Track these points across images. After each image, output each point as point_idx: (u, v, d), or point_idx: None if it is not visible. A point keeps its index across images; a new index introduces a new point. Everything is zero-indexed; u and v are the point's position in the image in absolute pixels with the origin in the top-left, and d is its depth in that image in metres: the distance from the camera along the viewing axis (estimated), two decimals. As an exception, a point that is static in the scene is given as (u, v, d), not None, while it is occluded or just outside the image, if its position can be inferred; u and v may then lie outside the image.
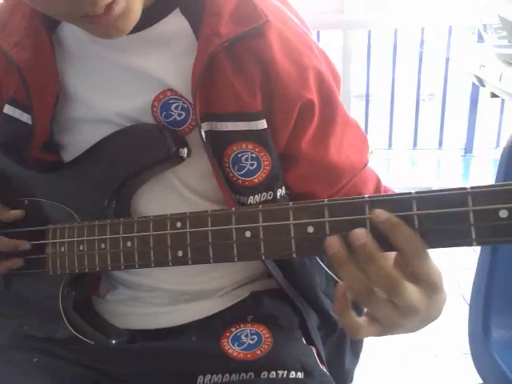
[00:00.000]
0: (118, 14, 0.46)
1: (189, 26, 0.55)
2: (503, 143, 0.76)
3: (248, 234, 0.46)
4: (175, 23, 0.55)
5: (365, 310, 0.42)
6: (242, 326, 0.61)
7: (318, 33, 2.79)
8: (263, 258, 0.46)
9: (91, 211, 0.57)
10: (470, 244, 0.37)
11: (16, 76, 0.57)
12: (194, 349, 0.60)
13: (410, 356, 1.49)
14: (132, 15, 0.48)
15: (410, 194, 0.39)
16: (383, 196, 0.40)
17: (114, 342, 0.60)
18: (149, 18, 0.53)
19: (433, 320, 0.45)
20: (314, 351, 0.62)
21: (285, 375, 0.55)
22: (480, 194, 0.36)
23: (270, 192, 0.57)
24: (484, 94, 2.66)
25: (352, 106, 2.63)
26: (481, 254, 0.80)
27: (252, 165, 0.55)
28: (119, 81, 0.56)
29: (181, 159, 0.55)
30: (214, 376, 0.56)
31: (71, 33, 0.58)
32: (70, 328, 0.59)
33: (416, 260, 0.39)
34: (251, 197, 0.57)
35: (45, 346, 0.61)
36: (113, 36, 0.49)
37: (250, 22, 0.52)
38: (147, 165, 0.56)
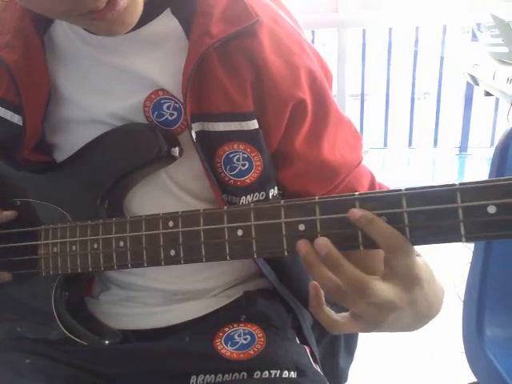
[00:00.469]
0: (123, 7, 0.45)
1: (180, 26, 0.54)
2: (497, 142, 0.77)
3: (240, 232, 0.46)
4: (166, 23, 0.54)
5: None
6: (235, 325, 0.61)
7: (313, 32, 2.79)
8: (255, 256, 0.46)
9: (84, 211, 0.57)
10: (459, 240, 0.37)
11: (6, 77, 0.56)
12: (187, 349, 0.60)
13: (406, 354, 1.50)
14: (136, 7, 0.48)
15: (399, 190, 0.39)
16: (373, 193, 0.40)
17: (107, 342, 0.60)
18: (140, 18, 0.53)
19: (429, 315, 0.46)
20: (308, 351, 0.62)
21: (278, 375, 0.55)
22: (468, 190, 0.36)
23: (262, 192, 0.57)
24: (478, 92, 2.67)
25: (347, 105, 2.63)
26: (474, 253, 0.80)
27: (244, 165, 0.55)
28: (111, 81, 0.56)
29: (173, 158, 0.55)
30: (207, 376, 0.56)
31: (63, 33, 0.57)
32: (63, 329, 0.58)
33: (395, 253, 0.39)
34: (243, 197, 0.56)
35: (37, 348, 0.60)
36: (117, 31, 0.48)
37: (241, 22, 0.52)
38: (139, 164, 0.56)
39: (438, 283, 0.46)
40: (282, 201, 0.44)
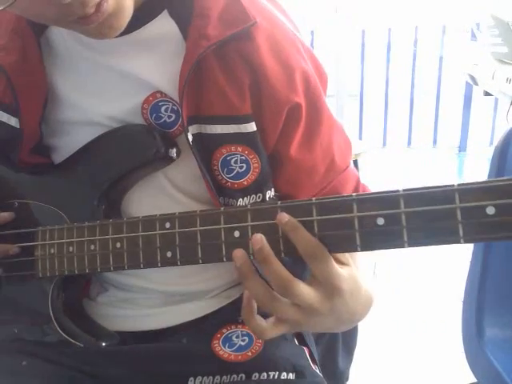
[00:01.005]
0: (109, 11, 0.45)
1: (177, 29, 0.54)
2: (497, 141, 0.76)
3: (237, 233, 0.46)
4: (163, 25, 0.54)
5: None
6: (233, 327, 0.61)
7: (312, 32, 2.79)
8: (252, 257, 0.45)
9: (81, 213, 0.57)
10: (457, 242, 0.36)
11: (3, 80, 0.56)
12: (184, 351, 0.60)
13: (406, 355, 1.50)
14: (124, 12, 0.48)
15: (397, 191, 0.39)
16: (371, 194, 0.40)
17: (104, 344, 0.59)
18: (137, 20, 0.53)
19: (352, 320, 0.47)
20: (307, 351, 0.62)
21: (276, 376, 0.55)
22: (467, 191, 0.36)
23: (259, 194, 0.57)
24: (477, 92, 2.67)
25: (346, 105, 2.63)
26: (473, 253, 0.80)
27: (241, 167, 0.55)
28: (108, 83, 0.56)
29: (170, 160, 0.55)
30: (205, 378, 0.56)
31: (60, 35, 0.57)
32: (60, 331, 0.58)
33: (313, 262, 0.41)
34: (240, 199, 0.56)
35: (34, 349, 0.60)
36: (107, 35, 0.48)
37: (238, 24, 0.52)
38: (136, 165, 0.55)
39: (365, 293, 0.47)
40: (279, 202, 0.44)
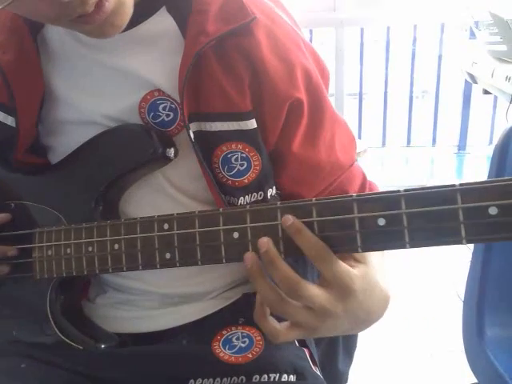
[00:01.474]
0: (111, 9, 0.45)
1: (175, 25, 0.54)
2: (496, 140, 0.76)
3: (236, 234, 0.45)
4: (161, 22, 0.54)
5: None
6: (233, 328, 0.60)
7: (311, 31, 2.79)
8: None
9: (78, 214, 0.56)
10: (459, 242, 0.36)
11: None
12: (184, 352, 0.59)
13: (406, 355, 1.49)
14: (125, 9, 0.47)
15: (398, 191, 0.38)
16: (371, 194, 0.39)
17: (103, 346, 0.59)
18: (135, 17, 0.52)
19: (369, 320, 0.46)
20: (307, 353, 0.61)
21: (277, 378, 0.54)
22: (469, 191, 0.36)
23: (260, 192, 0.57)
24: (476, 91, 2.66)
25: (345, 104, 2.63)
26: (474, 252, 0.79)
27: (242, 165, 0.55)
28: (106, 82, 0.55)
29: (168, 159, 0.54)
30: (205, 380, 0.55)
31: (57, 34, 0.56)
32: (58, 333, 0.58)
33: (321, 264, 0.41)
34: (241, 197, 0.56)
35: (33, 352, 0.60)
36: (108, 33, 0.48)
37: (237, 20, 0.51)
38: (134, 165, 0.55)
39: (380, 291, 0.46)
40: (279, 202, 0.44)
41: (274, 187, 0.58)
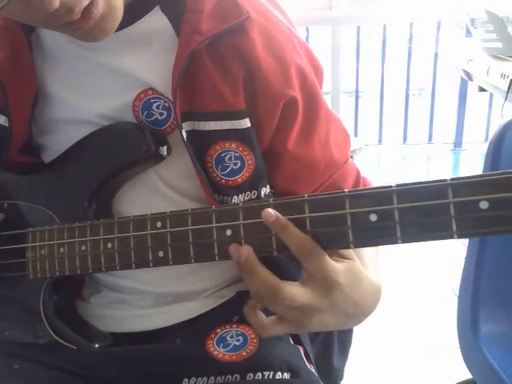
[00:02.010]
0: (99, 15, 0.45)
1: (169, 24, 0.53)
2: (491, 137, 0.76)
3: (229, 232, 0.45)
4: (155, 21, 0.53)
5: None
6: (227, 326, 0.60)
7: (307, 29, 2.78)
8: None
9: (72, 213, 0.56)
10: (450, 237, 0.36)
11: None
12: (178, 351, 0.59)
13: (401, 351, 1.50)
14: (114, 14, 0.47)
15: (390, 187, 0.38)
16: (363, 190, 0.39)
17: (97, 346, 0.59)
18: (128, 16, 0.52)
19: (360, 313, 0.46)
20: (302, 351, 0.61)
21: (271, 376, 0.54)
22: (460, 186, 0.36)
23: (254, 191, 0.56)
24: (472, 88, 2.67)
25: (341, 102, 2.63)
26: (468, 248, 0.80)
27: (236, 164, 0.55)
28: (99, 81, 0.55)
29: (161, 158, 0.54)
30: (199, 379, 0.55)
31: (50, 33, 0.56)
32: (52, 333, 0.57)
33: (307, 260, 0.41)
34: (235, 196, 0.56)
35: (26, 352, 0.60)
36: (98, 38, 0.48)
37: (231, 19, 0.51)
38: (127, 164, 0.55)
39: (369, 284, 0.46)
40: (271, 199, 0.44)
41: (268, 186, 0.58)
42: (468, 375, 0.82)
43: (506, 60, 1.74)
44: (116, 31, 0.51)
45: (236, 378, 0.54)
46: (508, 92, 1.55)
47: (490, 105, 3.04)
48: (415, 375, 1.41)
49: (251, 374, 0.54)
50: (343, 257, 0.44)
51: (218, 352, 0.57)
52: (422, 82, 3.74)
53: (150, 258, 0.49)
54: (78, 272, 0.54)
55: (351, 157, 0.66)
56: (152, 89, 0.54)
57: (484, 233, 0.35)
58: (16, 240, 0.58)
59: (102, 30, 0.47)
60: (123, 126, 0.55)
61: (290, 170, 0.58)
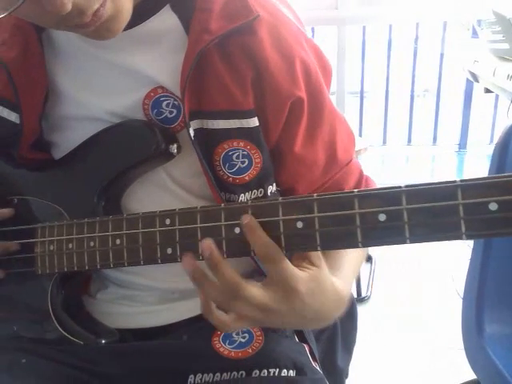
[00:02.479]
0: (107, 15, 0.45)
1: (179, 23, 0.54)
2: (497, 139, 0.76)
3: (237, 230, 0.45)
4: (165, 20, 0.54)
5: None
6: None
7: (313, 29, 2.78)
8: (252, 254, 0.45)
9: (81, 209, 0.57)
10: (459, 238, 0.36)
11: (3, 75, 0.56)
12: (184, 348, 0.59)
13: (405, 352, 1.50)
14: (122, 16, 0.47)
15: (399, 187, 0.38)
16: (372, 190, 0.40)
17: (103, 341, 0.59)
18: (139, 15, 0.52)
19: (319, 318, 0.47)
20: (307, 349, 0.61)
21: (276, 373, 0.54)
22: (469, 187, 0.36)
23: (260, 189, 0.57)
24: (478, 89, 2.66)
25: (346, 103, 2.62)
26: (473, 249, 0.80)
27: (243, 162, 0.55)
28: (109, 79, 0.56)
29: (171, 155, 0.55)
30: (205, 375, 0.55)
31: (61, 32, 0.56)
32: (59, 328, 0.58)
33: (268, 263, 0.43)
34: (242, 194, 0.56)
35: (34, 347, 0.60)
36: (105, 37, 0.48)
37: (240, 18, 0.51)
38: (137, 161, 0.55)
39: (333, 293, 0.47)
40: (280, 198, 0.44)
41: (274, 184, 0.58)
42: (472, 376, 0.82)
43: (512, 61, 1.73)
44: (126, 30, 0.51)
45: (242, 374, 0.55)
46: (514, 94, 1.55)
47: (496, 106, 3.03)
48: (419, 375, 1.41)
49: (257, 371, 0.55)
50: (312, 264, 0.45)
51: (224, 349, 0.58)
52: (428, 83, 3.73)
53: (159, 254, 0.49)
54: (87, 268, 0.54)
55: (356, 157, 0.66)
56: (162, 87, 0.54)
57: (492, 234, 0.35)
58: (25, 235, 0.59)
59: (109, 31, 0.48)
60: (133, 124, 0.55)
61: (293, 169, 0.59)
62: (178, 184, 0.58)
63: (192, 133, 0.53)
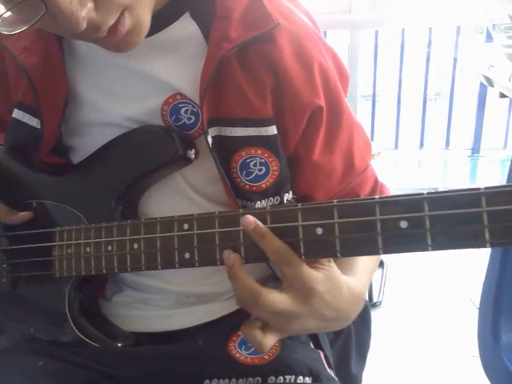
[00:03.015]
0: (126, 30, 0.46)
1: (199, 30, 0.54)
2: (511, 143, 0.75)
3: (256, 235, 0.45)
4: (185, 27, 0.54)
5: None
6: None
7: (325, 33, 2.78)
8: (270, 260, 0.45)
9: (99, 213, 0.57)
10: (483, 246, 0.36)
11: (24, 80, 0.57)
12: (200, 352, 0.59)
13: (418, 358, 1.48)
14: (140, 29, 0.48)
15: (421, 194, 0.38)
16: (394, 197, 0.39)
17: (119, 345, 0.59)
18: (159, 22, 0.53)
19: (341, 317, 0.48)
20: (322, 355, 0.61)
21: (292, 380, 0.54)
22: (494, 195, 0.35)
23: (276, 197, 0.57)
24: (492, 93, 2.64)
25: (359, 106, 2.62)
26: (490, 259, 0.79)
27: (260, 170, 0.55)
28: (129, 85, 0.56)
29: (188, 161, 0.55)
30: (221, 380, 0.55)
31: None
32: (76, 331, 0.58)
33: (284, 267, 0.44)
34: (258, 202, 0.56)
35: (50, 350, 0.60)
36: (124, 50, 0.49)
37: (260, 26, 0.51)
38: (155, 166, 0.55)
39: (349, 291, 0.48)
40: (299, 204, 0.44)
41: (291, 192, 0.58)
42: (486, 383, 0.81)
43: (527, 66, 1.71)
44: (146, 37, 0.52)
45: (258, 381, 0.55)
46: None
47: (510, 111, 3.00)
48: (432, 382, 1.39)
49: (273, 378, 0.54)
50: (323, 264, 0.46)
51: (240, 354, 0.57)
52: (440, 87, 3.70)
53: (176, 259, 0.49)
54: (104, 271, 0.55)
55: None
56: (180, 94, 0.54)
57: (517, 242, 0.35)
58: (43, 239, 0.59)
59: (128, 44, 0.48)
60: (152, 129, 0.56)
61: (311, 177, 0.58)
62: (194, 190, 0.58)
63: (210, 140, 0.53)
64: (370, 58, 3.00)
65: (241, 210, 0.46)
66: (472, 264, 1.78)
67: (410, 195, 0.39)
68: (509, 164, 0.76)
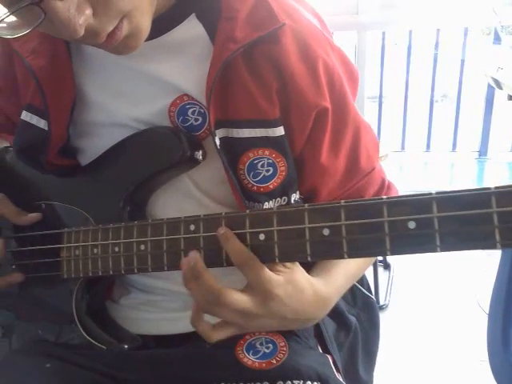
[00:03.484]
0: (124, 35, 0.46)
1: (205, 32, 0.54)
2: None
3: (262, 236, 0.45)
4: (191, 29, 0.54)
5: None
6: (256, 333, 0.60)
7: (332, 34, 2.77)
8: (277, 261, 0.45)
9: (106, 215, 0.57)
10: (493, 247, 0.35)
11: (32, 82, 0.57)
12: (207, 356, 0.59)
13: (426, 363, 1.47)
14: (140, 33, 0.48)
15: (430, 194, 0.37)
16: (401, 197, 0.39)
17: (126, 347, 0.59)
18: (165, 24, 0.53)
19: (303, 320, 0.49)
20: (330, 360, 0.60)
21: None
22: (504, 194, 0.35)
23: (284, 197, 0.56)
24: (500, 96, 2.62)
25: (365, 108, 2.61)
26: (500, 263, 0.78)
27: (268, 171, 0.55)
28: (136, 86, 0.56)
29: (196, 162, 0.55)
30: None
31: None
32: (83, 333, 0.58)
33: (245, 270, 0.45)
34: (266, 203, 0.56)
35: (58, 351, 0.61)
36: (124, 53, 0.49)
37: (265, 27, 0.51)
38: (162, 167, 0.55)
39: (314, 294, 0.49)
40: (306, 205, 0.43)
41: (298, 192, 0.58)
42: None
43: (536, 68, 1.70)
44: (153, 39, 0.52)
45: None
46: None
47: (518, 113, 2.97)
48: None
49: (281, 382, 0.54)
50: (286, 266, 0.47)
51: (248, 359, 0.57)
52: (447, 89, 3.68)
53: (183, 261, 0.49)
54: (111, 273, 0.55)
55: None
56: (187, 95, 0.54)
57: (529, 243, 0.34)
58: (51, 240, 0.60)
59: (127, 47, 0.49)
60: (159, 130, 0.56)
61: (316, 177, 0.58)
62: (202, 191, 0.58)
63: (217, 141, 0.53)
64: (376, 60, 2.99)
65: (247, 211, 0.46)
66: (479, 266, 1.76)
67: (418, 195, 0.38)
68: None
